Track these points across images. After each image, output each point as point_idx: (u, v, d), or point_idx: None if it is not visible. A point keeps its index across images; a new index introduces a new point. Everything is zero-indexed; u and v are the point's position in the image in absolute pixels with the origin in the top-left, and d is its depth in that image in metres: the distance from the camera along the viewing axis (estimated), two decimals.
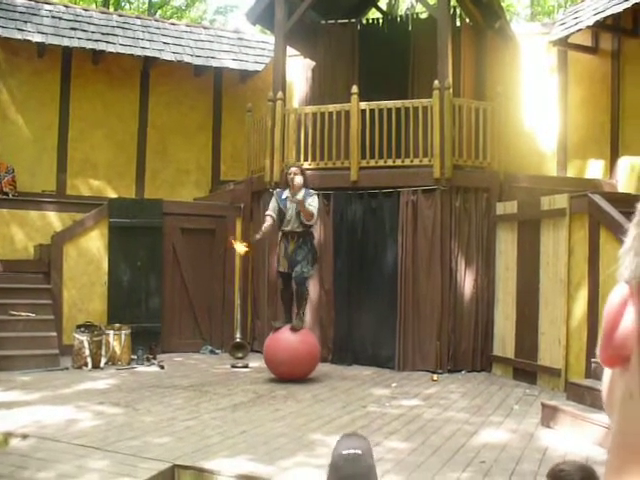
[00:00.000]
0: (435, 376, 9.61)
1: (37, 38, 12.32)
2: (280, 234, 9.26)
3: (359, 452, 2.70)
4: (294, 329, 8.93)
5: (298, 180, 9.02)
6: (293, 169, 9.19)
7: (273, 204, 9.19)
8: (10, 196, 12.13)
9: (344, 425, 6.69)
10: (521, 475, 5.16)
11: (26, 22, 12.51)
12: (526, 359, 9.36)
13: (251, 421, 6.82)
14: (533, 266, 9.29)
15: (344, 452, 2.70)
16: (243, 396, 8.09)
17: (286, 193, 9.12)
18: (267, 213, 9.25)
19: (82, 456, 5.56)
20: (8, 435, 6.26)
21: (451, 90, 10.38)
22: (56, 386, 8.41)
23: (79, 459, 5.48)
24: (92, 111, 13.30)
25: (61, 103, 13.15)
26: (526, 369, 9.37)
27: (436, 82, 10.28)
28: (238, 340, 11.15)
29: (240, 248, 10.23)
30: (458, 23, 12.99)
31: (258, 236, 9.23)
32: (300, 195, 8.95)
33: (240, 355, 10.81)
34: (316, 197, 9.09)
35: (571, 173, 12.25)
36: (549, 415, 6.82)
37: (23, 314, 9.99)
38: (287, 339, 8.88)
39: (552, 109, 12.37)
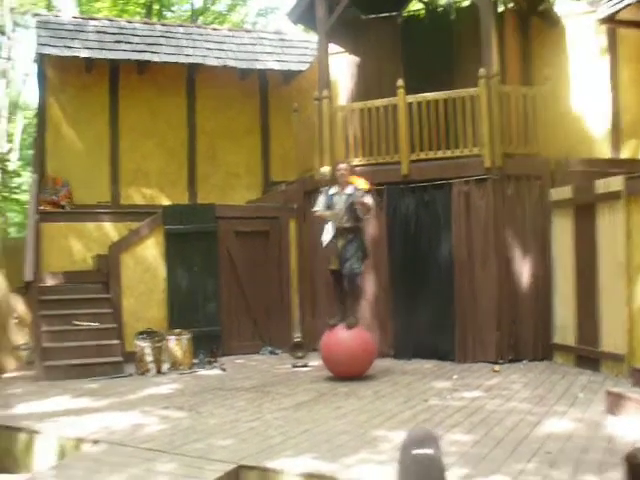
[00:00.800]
0: (496, 367, 9.53)
1: (84, 54, 12.57)
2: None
3: (430, 452, 2.63)
4: (348, 327, 8.93)
5: (345, 176, 9.04)
6: (342, 166, 9.22)
7: (322, 200, 9.20)
8: (67, 209, 12.41)
9: (406, 420, 6.69)
10: (588, 465, 5.09)
11: (73, 39, 12.79)
12: (588, 346, 9.22)
13: (313, 420, 6.86)
14: (590, 251, 9.14)
15: (414, 452, 2.64)
16: (305, 395, 8.14)
17: (333, 190, 9.14)
18: (315, 209, 9.27)
19: (150, 460, 5.67)
20: (80, 441, 6.43)
21: (497, 78, 10.28)
22: (122, 392, 8.57)
23: (147, 462, 5.59)
24: (141, 121, 13.50)
25: (110, 115, 13.40)
26: (588, 356, 9.23)
27: (482, 70, 10.19)
28: (297, 340, 11.23)
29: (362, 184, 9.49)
30: (501, 9, 12.83)
31: (327, 213, 9.14)
32: (348, 190, 8.97)
33: (300, 354, 10.87)
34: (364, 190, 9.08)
35: (625, 154, 12.01)
36: (614, 403, 6.71)
37: (85, 324, 10.21)
38: (341, 337, 8.88)
39: (602, 90, 12.15)
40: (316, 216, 9.35)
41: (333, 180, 9.46)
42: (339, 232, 9.07)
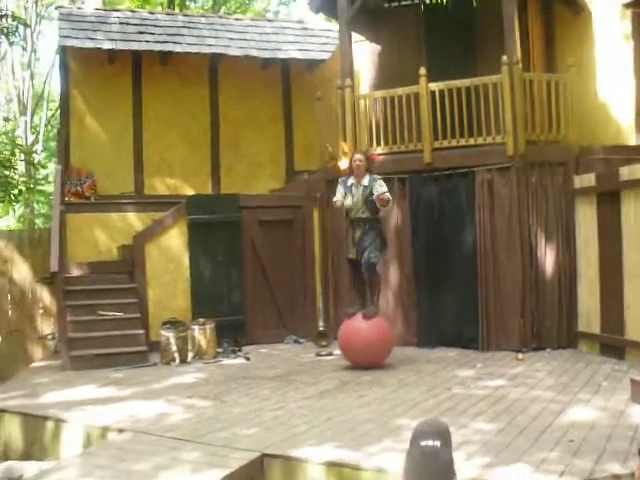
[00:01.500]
0: (520, 355, 9.50)
1: (107, 45, 12.65)
2: (347, 222, 9.27)
3: (437, 444, 2.66)
4: (366, 316, 8.93)
5: (361, 167, 9.02)
6: (357, 156, 9.20)
7: (340, 191, 9.20)
8: (91, 200, 12.52)
9: (429, 409, 6.70)
10: (612, 454, 5.08)
11: (96, 31, 12.87)
12: (613, 334, 9.16)
13: (337, 408, 6.89)
14: (615, 238, 9.08)
15: (422, 443, 2.67)
16: (328, 384, 8.18)
17: (351, 180, 9.14)
18: (335, 199, 9.25)
19: (175, 448, 5.73)
20: (106, 429, 6.52)
21: (520, 65, 10.21)
22: (146, 381, 8.66)
23: (172, 451, 5.65)
24: (164, 111, 13.56)
25: (134, 106, 13.47)
26: (613, 344, 9.18)
27: (504, 57, 10.13)
28: (321, 328, 11.27)
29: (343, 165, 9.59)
30: None
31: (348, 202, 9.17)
32: (365, 181, 8.96)
33: (324, 343, 10.91)
34: (382, 181, 9.03)
35: None
36: (639, 391, 6.68)
37: (110, 314, 10.31)
38: (360, 327, 8.89)
39: (627, 76, 12.01)
40: (336, 207, 9.35)
41: (350, 171, 9.43)
42: (356, 222, 9.07)
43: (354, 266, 9.23)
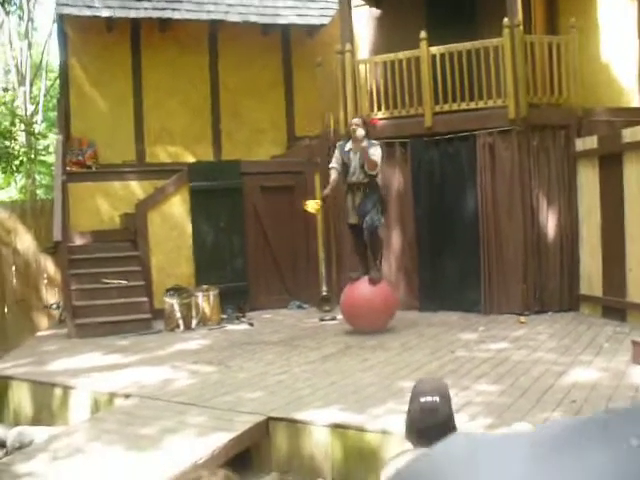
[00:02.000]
0: (522, 318, 9.56)
1: (105, 13, 12.54)
2: (346, 187, 9.25)
3: (437, 399, 2.71)
4: (372, 281, 8.97)
5: (360, 132, 8.96)
6: (355, 120, 9.16)
7: (337, 156, 9.19)
8: (93, 169, 12.51)
9: (433, 371, 6.77)
10: None
11: None
12: (614, 296, 9.21)
13: (341, 372, 6.96)
14: (617, 201, 9.08)
15: (422, 399, 2.72)
16: (332, 348, 8.24)
17: (349, 145, 9.11)
18: (331, 166, 9.24)
19: (181, 412, 5.81)
20: (113, 395, 6.61)
21: (521, 27, 10.14)
22: (151, 348, 8.73)
23: (179, 415, 5.73)
24: (164, 79, 13.49)
25: (133, 74, 13.39)
26: (615, 307, 9.23)
27: (505, 20, 10.06)
28: (324, 293, 11.32)
29: (312, 207, 9.72)
30: None
31: (327, 191, 9.29)
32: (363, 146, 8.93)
33: (327, 308, 10.97)
34: (379, 147, 8.99)
35: None
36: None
37: (115, 282, 10.36)
38: (362, 291, 8.93)
39: (630, 38, 11.92)
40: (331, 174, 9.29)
41: (348, 136, 9.39)
42: (356, 187, 9.05)
43: (355, 231, 9.23)
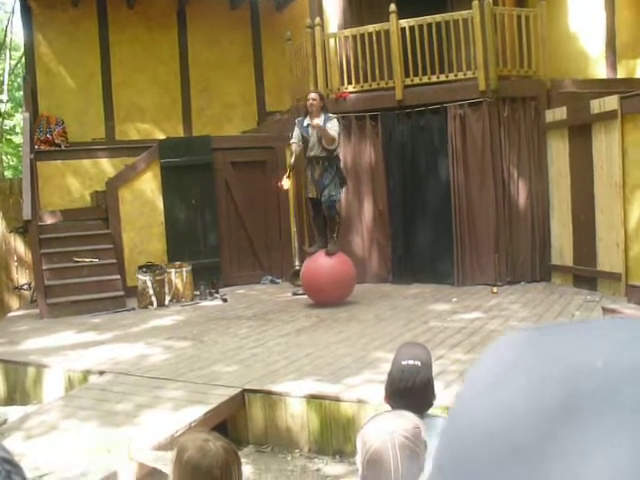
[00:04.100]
0: (495, 289, 9.64)
1: None
2: (305, 161, 9.24)
3: (418, 363, 2.74)
4: (329, 254, 9.00)
5: (316, 105, 8.94)
6: (311, 95, 9.14)
7: (296, 132, 9.18)
8: (62, 147, 12.36)
9: (407, 341, 6.80)
10: None
11: None
12: (585, 266, 9.31)
13: (315, 344, 6.98)
14: (586, 172, 9.16)
15: (403, 362, 2.75)
16: (306, 321, 8.26)
17: (307, 120, 9.09)
18: (292, 142, 9.26)
19: (156, 387, 5.80)
20: (87, 372, 6.58)
21: (490, 0, 10.14)
22: (125, 325, 8.70)
23: (154, 390, 5.73)
24: (133, 56, 13.33)
25: (101, 51, 13.21)
26: (586, 276, 9.34)
27: None
28: (297, 267, 11.31)
29: (287, 184, 9.77)
30: None
31: (292, 160, 9.29)
32: (320, 120, 8.88)
33: (300, 282, 10.95)
34: (336, 121, 8.97)
35: (621, 74, 11.88)
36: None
37: (87, 260, 10.28)
38: (322, 264, 8.94)
39: (598, 9, 11.97)
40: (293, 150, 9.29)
41: (305, 110, 9.35)
42: (315, 161, 9.05)
43: (314, 205, 9.27)
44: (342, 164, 9.58)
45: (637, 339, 0.44)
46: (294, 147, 9.22)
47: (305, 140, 9.06)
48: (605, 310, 6.94)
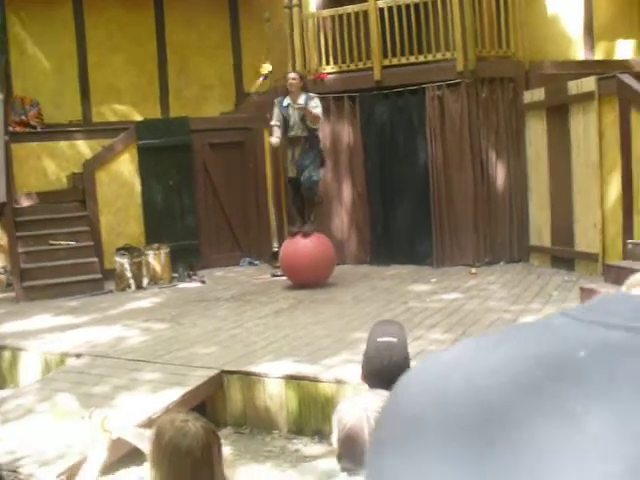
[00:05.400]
0: (473, 269, 9.67)
1: None
2: (286, 141, 9.19)
3: (394, 340, 2.72)
4: (305, 234, 8.98)
5: (296, 85, 8.90)
6: (291, 75, 9.10)
7: (276, 112, 9.11)
8: (38, 129, 12.21)
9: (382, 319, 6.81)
10: None
11: None
12: (563, 246, 9.36)
13: (293, 325, 6.98)
14: (564, 153, 9.19)
15: (378, 339, 2.74)
16: (284, 303, 8.25)
17: (287, 100, 9.04)
18: (272, 123, 9.17)
19: (134, 370, 5.77)
20: (64, 355, 6.53)
21: None
22: (103, 308, 8.64)
23: (131, 372, 5.70)
24: (109, 36, 13.17)
25: (77, 31, 13.04)
26: (563, 256, 9.39)
27: None
28: (275, 249, 11.27)
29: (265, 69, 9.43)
30: None
31: (276, 139, 9.15)
32: (301, 100, 8.84)
33: (278, 264, 10.93)
34: (317, 99, 8.95)
35: (599, 56, 11.90)
36: (588, 298, 6.85)
37: (63, 243, 10.19)
38: (300, 245, 8.93)
39: None
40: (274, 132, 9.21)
41: (285, 91, 9.31)
42: (296, 141, 9.02)
43: (294, 185, 9.24)
44: (322, 145, 9.54)
45: None
46: (276, 130, 9.08)
47: (285, 120, 9.01)
48: (583, 290, 6.98)
